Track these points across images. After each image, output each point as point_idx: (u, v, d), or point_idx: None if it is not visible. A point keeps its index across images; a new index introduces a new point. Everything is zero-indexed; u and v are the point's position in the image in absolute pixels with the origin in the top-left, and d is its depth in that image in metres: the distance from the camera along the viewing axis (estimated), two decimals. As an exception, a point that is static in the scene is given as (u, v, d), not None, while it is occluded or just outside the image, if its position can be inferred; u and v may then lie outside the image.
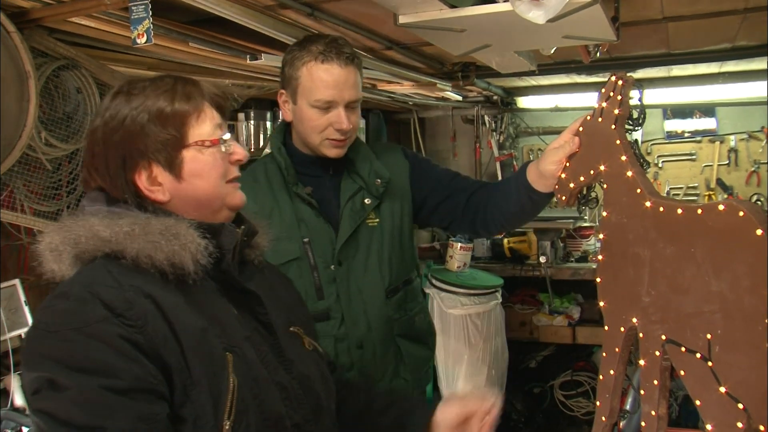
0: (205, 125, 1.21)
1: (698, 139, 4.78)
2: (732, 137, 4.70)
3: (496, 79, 3.98)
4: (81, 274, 1.11)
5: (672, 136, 4.82)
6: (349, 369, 1.86)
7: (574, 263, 4.49)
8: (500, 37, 2.16)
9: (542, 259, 4.35)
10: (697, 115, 4.74)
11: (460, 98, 4.34)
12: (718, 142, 4.74)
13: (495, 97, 4.70)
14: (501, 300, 4.18)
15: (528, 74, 3.62)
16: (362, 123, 4.26)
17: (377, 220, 1.90)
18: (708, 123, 4.74)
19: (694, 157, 4.79)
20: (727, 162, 4.73)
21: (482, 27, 2.00)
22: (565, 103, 4.70)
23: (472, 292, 4.05)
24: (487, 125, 5.05)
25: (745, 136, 4.66)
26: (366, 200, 1.88)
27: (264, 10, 2.08)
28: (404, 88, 3.68)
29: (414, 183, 1.98)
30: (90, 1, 1.79)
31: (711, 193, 4.69)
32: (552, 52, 2.54)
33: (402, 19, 1.92)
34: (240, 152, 1.27)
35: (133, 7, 1.71)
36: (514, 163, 5.11)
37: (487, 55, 2.62)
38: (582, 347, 4.45)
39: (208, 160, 1.21)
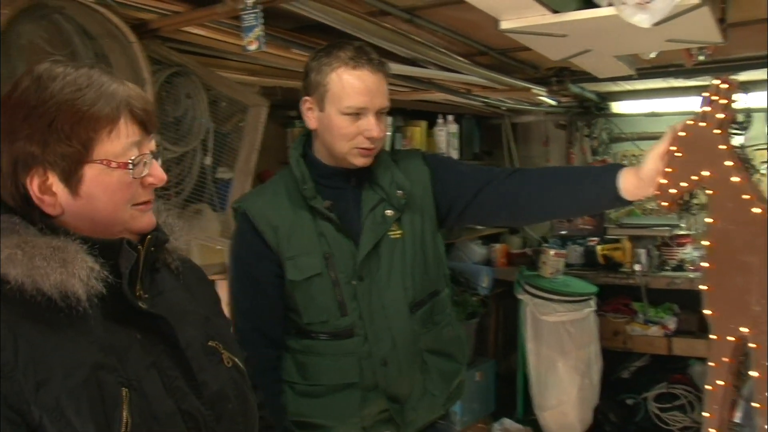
0: (117, 143, 1.05)
1: (806, 144, 4.55)
2: (844, 142, 4.46)
3: (590, 84, 3.92)
4: None
5: (777, 142, 4.62)
6: (374, 388, 1.79)
7: (671, 272, 4.33)
8: (601, 41, 2.14)
9: (637, 267, 4.25)
10: (805, 119, 4.51)
11: (554, 103, 4.30)
12: (827, 148, 4.50)
13: (588, 102, 4.64)
14: (595, 308, 4.10)
15: (624, 79, 3.56)
16: (455, 128, 4.28)
17: (400, 232, 1.82)
18: (817, 127, 4.51)
19: (801, 163, 4.57)
20: (838, 169, 4.49)
21: (584, 32, 1.98)
22: (661, 108, 4.57)
23: (566, 299, 3.99)
24: (580, 130, 4.98)
25: None
26: (387, 212, 1.80)
27: (365, 16, 2.13)
28: (498, 93, 3.67)
29: (436, 189, 1.88)
30: (204, 11, 1.88)
31: (820, 201, 4.45)
32: (653, 56, 2.50)
33: (504, 25, 1.92)
34: (156, 176, 1.13)
35: (244, 16, 1.77)
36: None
37: (585, 59, 2.60)
38: (678, 359, 4.28)
39: (112, 183, 1.06)
